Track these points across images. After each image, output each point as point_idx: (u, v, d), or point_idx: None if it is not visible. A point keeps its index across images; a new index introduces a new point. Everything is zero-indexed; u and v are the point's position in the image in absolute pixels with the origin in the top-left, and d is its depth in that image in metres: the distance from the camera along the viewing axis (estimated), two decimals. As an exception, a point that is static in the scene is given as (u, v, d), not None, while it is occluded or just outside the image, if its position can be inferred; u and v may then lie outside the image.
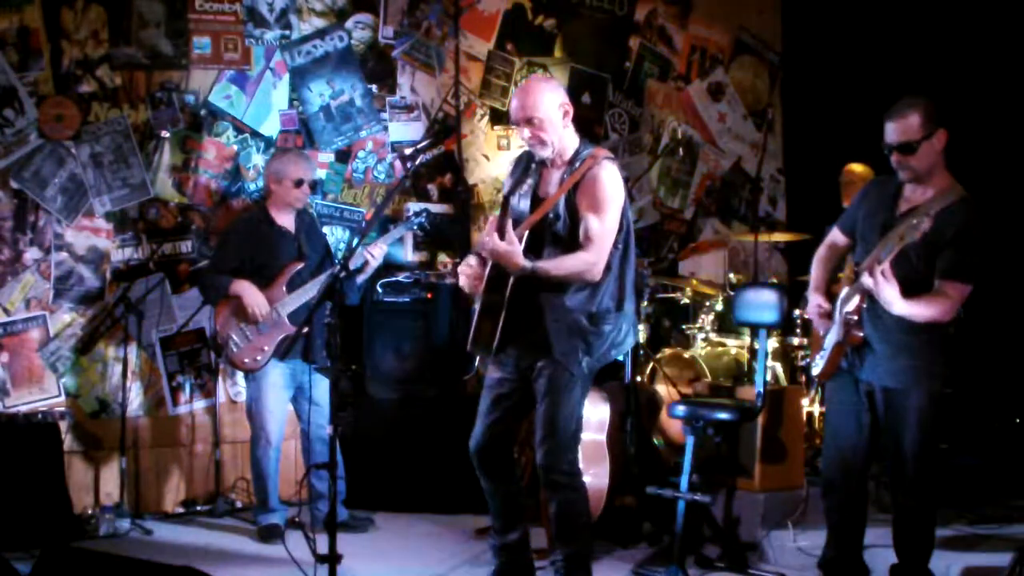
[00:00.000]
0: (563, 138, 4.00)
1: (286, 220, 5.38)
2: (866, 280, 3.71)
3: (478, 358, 4.23)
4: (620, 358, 5.27)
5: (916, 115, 3.80)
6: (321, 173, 6.27)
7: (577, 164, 3.94)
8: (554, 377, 3.96)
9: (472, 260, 4.11)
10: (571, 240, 3.91)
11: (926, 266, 3.76)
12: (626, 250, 4.01)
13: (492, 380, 4.15)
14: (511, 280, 3.87)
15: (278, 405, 5.30)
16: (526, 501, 4.45)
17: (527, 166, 4.13)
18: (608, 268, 3.93)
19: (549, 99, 3.96)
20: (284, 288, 5.24)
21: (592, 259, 3.86)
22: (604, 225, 3.87)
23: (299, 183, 5.33)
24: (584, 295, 3.92)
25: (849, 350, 3.97)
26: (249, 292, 5.19)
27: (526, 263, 3.81)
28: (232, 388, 6.04)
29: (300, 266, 5.29)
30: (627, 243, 4.01)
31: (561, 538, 4.11)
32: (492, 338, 3.93)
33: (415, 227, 5.61)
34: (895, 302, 3.69)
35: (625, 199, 4.00)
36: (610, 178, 3.91)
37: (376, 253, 5.25)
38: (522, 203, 4.04)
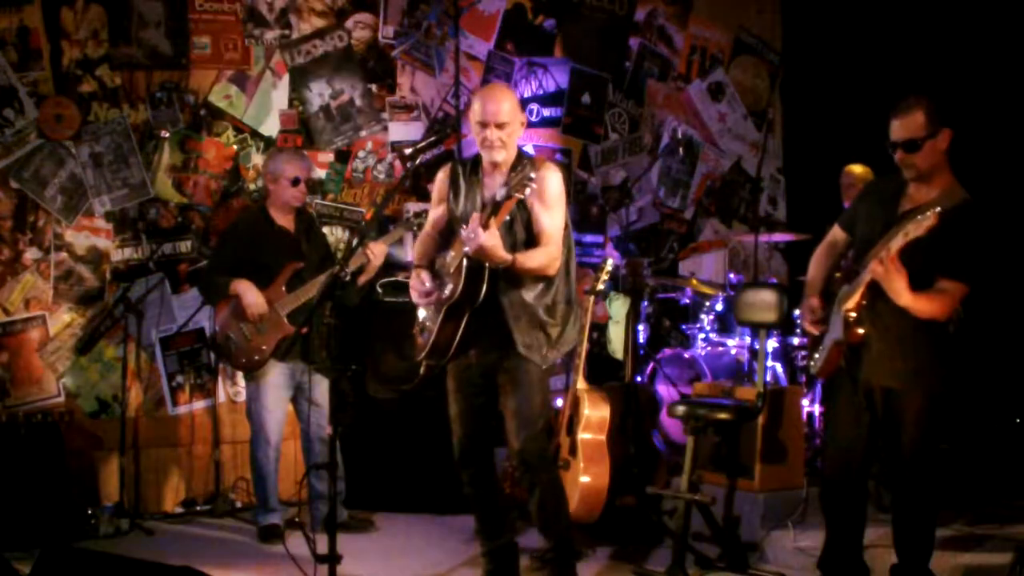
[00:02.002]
0: (514, 147, 4.16)
1: (285, 220, 5.38)
2: (876, 268, 3.70)
3: (425, 366, 4.27)
4: (619, 358, 5.30)
5: (921, 113, 3.81)
6: (321, 173, 6.27)
7: (520, 169, 4.03)
8: (519, 370, 4.09)
9: (424, 275, 4.21)
10: (527, 240, 4.08)
11: (926, 264, 3.75)
12: (569, 249, 4.21)
13: (457, 384, 4.23)
14: (485, 282, 3.97)
15: (277, 405, 5.30)
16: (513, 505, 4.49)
17: (471, 173, 4.22)
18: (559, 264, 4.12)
19: (517, 108, 4.16)
20: (283, 288, 5.24)
21: (553, 254, 4.06)
22: (556, 222, 4.08)
23: (296, 182, 5.33)
24: (539, 290, 4.08)
25: (848, 349, 3.97)
26: (248, 291, 5.19)
27: (508, 255, 3.94)
28: (232, 388, 6.05)
29: (300, 266, 5.28)
30: (571, 242, 4.22)
31: (545, 527, 4.22)
32: (451, 343, 4.06)
33: (415, 228, 5.59)
34: (902, 293, 3.68)
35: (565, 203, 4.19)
36: (557, 180, 4.12)
37: (376, 251, 5.25)
38: (471, 210, 4.12)
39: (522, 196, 3.88)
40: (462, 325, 4.02)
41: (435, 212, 4.32)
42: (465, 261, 3.96)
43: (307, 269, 5.30)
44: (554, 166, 4.19)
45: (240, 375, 5.80)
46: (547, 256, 4.04)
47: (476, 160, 4.23)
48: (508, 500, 5.51)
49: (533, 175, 3.86)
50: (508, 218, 4.04)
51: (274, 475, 5.32)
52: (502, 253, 3.91)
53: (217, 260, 5.43)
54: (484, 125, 4.07)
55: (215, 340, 5.35)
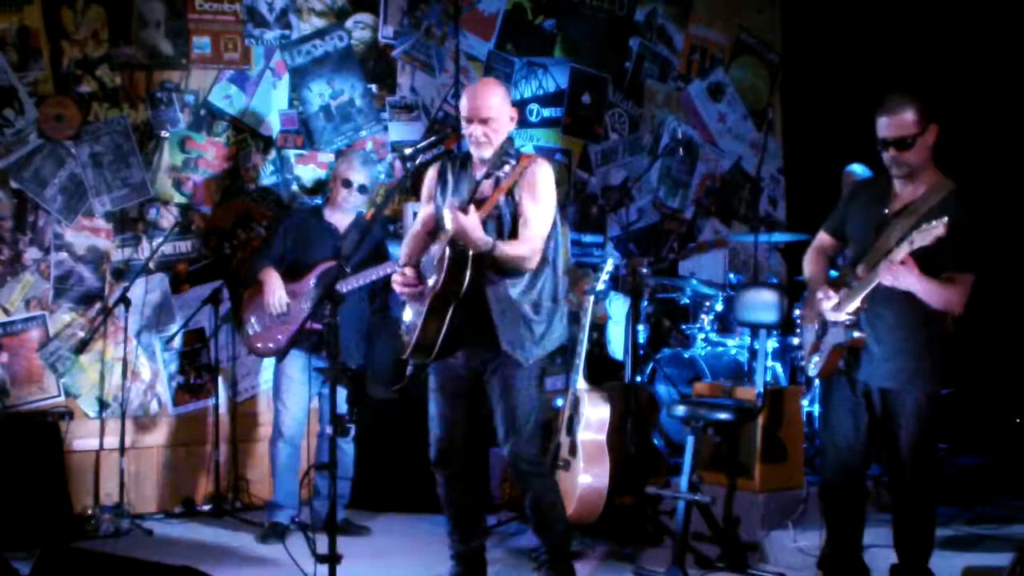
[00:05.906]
0: (503, 142, 4.13)
1: (337, 218, 5.40)
2: (885, 277, 3.70)
3: (412, 366, 4.22)
4: (619, 358, 5.30)
5: (911, 111, 3.80)
6: (320, 173, 6.27)
7: (512, 163, 4.06)
8: (507, 372, 4.07)
9: (409, 271, 4.18)
10: (512, 236, 4.06)
11: (928, 260, 3.74)
12: (557, 245, 4.18)
13: (439, 383, 4.20)
14: (468, 276, 3.94)
15: (293, 399, 5.28)
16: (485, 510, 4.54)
17: (460, 168, 4.21)
18: (545, 260, 4.10)
19: (505, 103, 4.14)
20: (312, 283, 5.24)
21: (535, 245, 4.04)
22: (543, 215, 4.06)
23: (346, 184, 5.35)
24: (524, 286, 4.06)
25: (847, 351, 3.96)
26: (271, 282, 5.23)
27: (488, 238, 3.93)
28: (232, 388, 6.04)
29: (333, 264, 5.24)
30: (558, 239, 4.18)
31: (540, 530, 4.23)
32: (436, 340, 4.00)
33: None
34: (916, 284, 3.68)
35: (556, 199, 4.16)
36: (549, 175, 4.11)
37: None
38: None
39: (500, 175, 3.94)
40: (447, 320, 3.97)
41: (424, 210, 4.29)
42: (448, 251, 3.93)
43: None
44: (544, 159, 4.17)
45: (241, 375, 5.83)
46: (528, 247, 4.01)
47: (467, 156, 4.22)
48: (509, 501, 5.54)
49: (513, 157, 3.93)
50: (495, 212, 4.02)
51: (285, 472, 5.30)
52: (482, 234, 3.89)
53: (264, 246, 5.56)
54: (468, 121, 4.08)
55: (238, 316, 5.43)
